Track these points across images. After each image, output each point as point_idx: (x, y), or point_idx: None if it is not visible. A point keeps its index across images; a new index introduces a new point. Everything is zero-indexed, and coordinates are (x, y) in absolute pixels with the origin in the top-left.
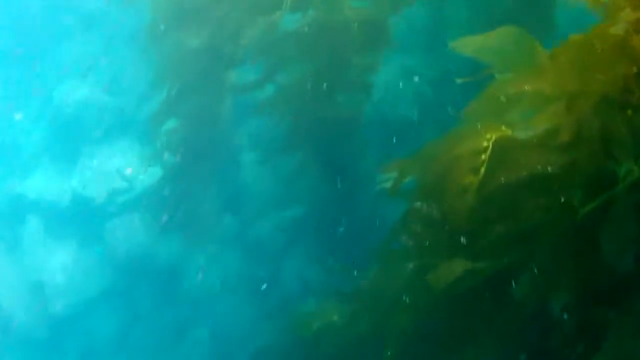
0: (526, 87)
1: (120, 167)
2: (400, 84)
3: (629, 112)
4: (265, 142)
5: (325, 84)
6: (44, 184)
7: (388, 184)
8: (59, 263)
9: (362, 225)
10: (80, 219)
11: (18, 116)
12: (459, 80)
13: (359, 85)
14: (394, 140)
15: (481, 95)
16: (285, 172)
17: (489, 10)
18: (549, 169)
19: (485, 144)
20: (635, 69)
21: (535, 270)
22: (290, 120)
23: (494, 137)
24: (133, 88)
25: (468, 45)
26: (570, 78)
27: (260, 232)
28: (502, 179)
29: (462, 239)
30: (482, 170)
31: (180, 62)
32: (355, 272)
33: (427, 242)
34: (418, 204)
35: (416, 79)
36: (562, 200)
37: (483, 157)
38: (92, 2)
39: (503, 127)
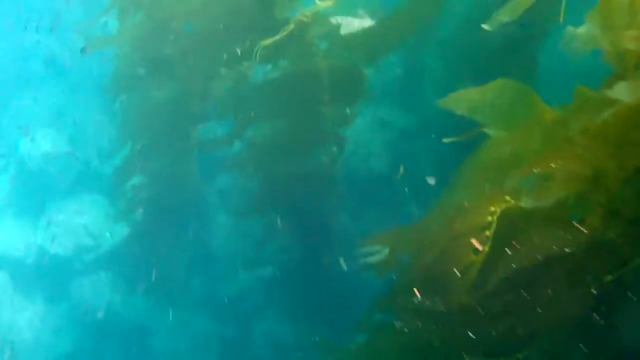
0: (552, 165)
1: (87, 223)
2: (375, 137)
3: None
4: (236, 200)
5: (296, 139)
6: (9, 239)
7: (373, 258)
8: (26, 320)
9: (337, 289)
10: (47, 275)
11: None
12: (446, 140)
13: (332, 139)
14: (369, 199)
15: (474, 157)
16: (256, 232)
17: (468, 59)
18: (568, 249)
19: (489, 218)
20: None
21: None
22: (262, 177)
23: (498, 210)
24: (98, 141)
25: (460, 101)
26: (604, 153)
27: (230, 293)
28: (513, 263)
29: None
30: (486, 249)
31: (145, 115)
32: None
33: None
34: (410, 287)
35: (391, 132)
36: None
37: (487, 233)
38: (57, 50)
39: (507, 197)
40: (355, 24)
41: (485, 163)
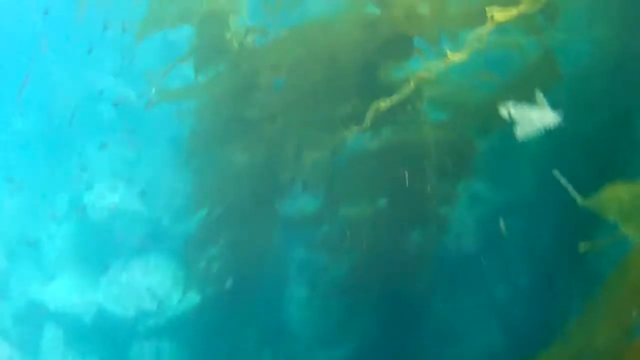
0: None
1: (152, 286)
2: (479, 220)
3: None
4: (320, 280)
5: (395, 219)
6: (67, 293)
7: None
8: None
9: None
10: (104, 336)
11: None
12: (582, 249)
13: (432, 219)
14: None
15: (622, 265)
16: (337, 312)
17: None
18: None
19: None
20: None
21: None
22: (351, 260)
23: None
24: (170, 201)
25: (608, 202)
26: None
27: None
28: None
29: None
30: None
31: (224, 180)
32: None
33: None
34: None
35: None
36: None
37: None
38: (131, 96)
39: None
40: (533, 116)
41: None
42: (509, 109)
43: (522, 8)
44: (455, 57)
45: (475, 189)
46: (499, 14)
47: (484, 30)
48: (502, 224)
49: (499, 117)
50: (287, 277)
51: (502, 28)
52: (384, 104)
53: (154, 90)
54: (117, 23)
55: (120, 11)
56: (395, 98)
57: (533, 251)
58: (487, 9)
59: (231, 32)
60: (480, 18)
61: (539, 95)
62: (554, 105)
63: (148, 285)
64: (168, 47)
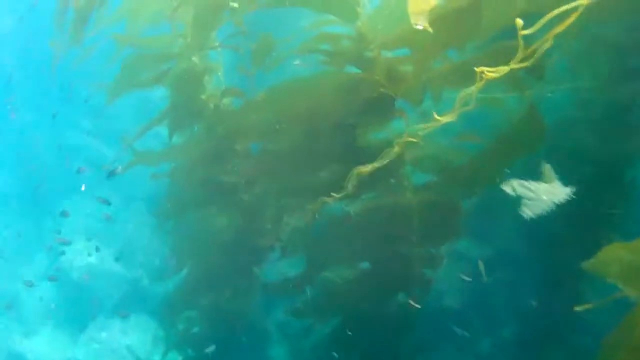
0: None
1: (132, 344)
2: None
3: None
4: (303, 343)
5: (378, 282)
6: (46, 351)
7: None
8: None
9: None
10: None
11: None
12: (578, 308)
13: (417, 281)
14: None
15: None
16: None
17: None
18: None
19: None
20: None
21: None
22: (335, 322)
23: None
24: (148, 261)
25: (608, 264)
26: None
27: None
28: None
29: None
30: None
31: (202, 242)
32: None
33: None
34: None
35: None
36: None
37: None
38: (107, 154)
39: None
40: (540, 191)
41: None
42: (514, 186)
43: (513, 66)
44: (443, 118)
45: (459, 247)
46: (490, 73)
47: (473, 89)
48: (481, 265)
49: (484, 177)
50: (269, 341)
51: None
52: (365, 169)
53: (119, 168)
54: (90, 82)
55: (93, 70)
56: (377, 163)
57: (519, 306)
58: (476, 68)
59: (206, 93)
60: (465, 77)
61: (547, 168)
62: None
63: (128, 345)
64: (144, 106)
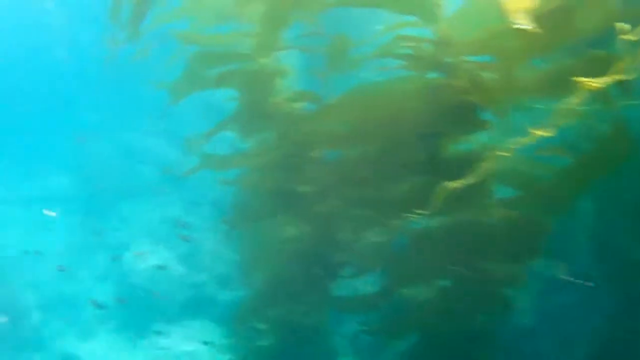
0: None
1: (195, 351)
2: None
3: None
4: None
5: (458, 300)
6: (104, 353)
7: None
8: None
9: None
10: None
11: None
12: None
13: (498, 299)
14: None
15: None
16: None
17: None
18: None
19: None
20: None
21: None
22: (412, 341)
23: None
24: (213, 267)
25: None
26: None
27: None
28: None
29: None
30: None
31: (272, 252)
32: None
33: None
34: None
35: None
36: None
37: None
38: (173, 156)
39: None
40: None
41: None
42: None
43: (616, 77)
44: (540, 132)
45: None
46: (590, 83)
47: (574, 101)
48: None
49: (566, 194)
50: (340, 356)
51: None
52: (453, 185)
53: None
54: (149, 81)
55: (150, 69)
56: (467, 180)
57: (594, 326)
58: (573, 77)
59: (277, 96)
60: (556, 86)
61: None
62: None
63: (190, 352)
64: (207, 107)
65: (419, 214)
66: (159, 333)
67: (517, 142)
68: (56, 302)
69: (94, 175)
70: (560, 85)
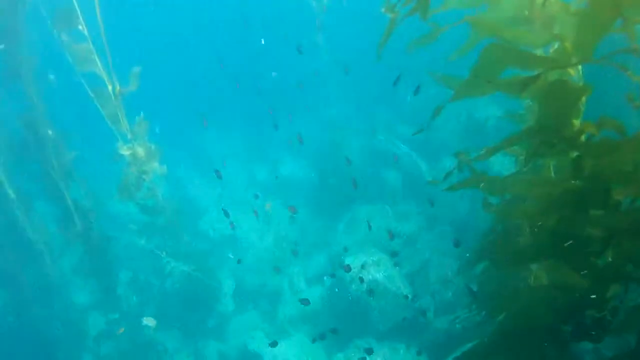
0: None
1: None
2: None
3: None
4: None
5: None
6: (290, 357)
7: None
8: None
9: None
10: None
11: None
12: None
13: None
14: None
15: None
16: None
17: None
18: None
19: None
20: None
21: None
22: None
23: None
24: (440, 290)
25: None
26: None
27: None
28: None
29: None
30: None
31: (522, 298)
32: None
33: None
34: None
35: None
36: None
37: None
38: (420, 169)
39: None
40: None
41: None
42: None
43: None
44: None
45: None
46: None
47: None
48: None
49: None
50: None
51: None
52: None
53: None
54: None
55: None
56: None
57: None
58: None
59: (580, 117)
60: None
61: None
62: None
63: None
64: (474, 124)
65: None
66: (358, 348)
67: None
68: (255, 294)
69: (336, 171)
70: None
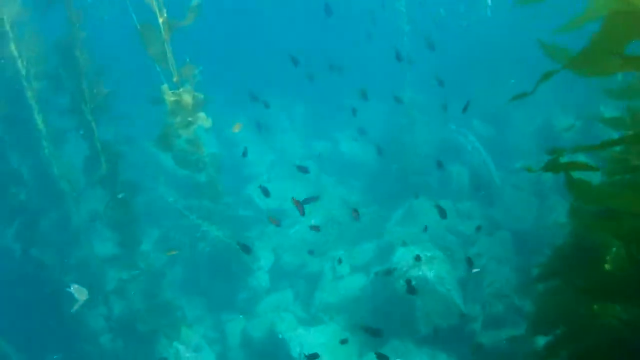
0: None
1: None
2: None
3: None
4: None
5: None
6: (321, 346)
7: None
8: None
9: None
10: None
11: None
12: None
13: None
14: None
15: None
16: None
17: None
18: None
19: None
20: None
21: None
22: None
23: None
24: (493, 302)
25: None
26: None
27: None
28: None
29: None
30: None
31: (578, 323)
32: None
33: None
34: None
35: None
36: None
37: None
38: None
39: None
40: None
41: None
42: None
43: None
44: None
45: None
46: None
47: None
48: None
49: None
50: None
51: None
52: None
53: None
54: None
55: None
56: None
57: None
58: None
59: None
60: None
61: None
62: None
63: None
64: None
65: None
66: (394, 351)
67: None
68: (293, 274)
69: (401, 157)
70: None
